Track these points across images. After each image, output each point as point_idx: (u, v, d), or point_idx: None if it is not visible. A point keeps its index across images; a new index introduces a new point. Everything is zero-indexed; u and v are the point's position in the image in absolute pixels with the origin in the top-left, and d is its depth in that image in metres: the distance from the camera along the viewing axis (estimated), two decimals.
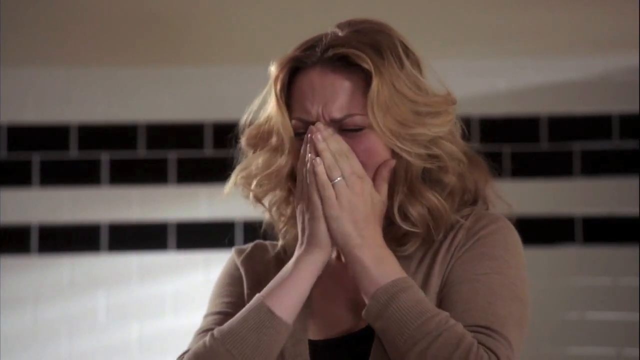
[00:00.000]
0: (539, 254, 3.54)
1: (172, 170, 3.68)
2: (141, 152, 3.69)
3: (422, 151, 1.41)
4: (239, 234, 3.54)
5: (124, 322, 3.62)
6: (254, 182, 1.48)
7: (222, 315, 1.49)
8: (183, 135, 3.67)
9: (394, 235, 1.45)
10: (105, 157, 3.69)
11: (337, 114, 1.40)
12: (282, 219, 1.52)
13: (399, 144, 1.40)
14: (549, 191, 3.61)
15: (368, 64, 1.39)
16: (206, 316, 1.52)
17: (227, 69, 3.61)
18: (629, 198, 3.57)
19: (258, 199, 1.51)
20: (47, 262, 3.64)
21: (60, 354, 3.61)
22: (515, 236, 1.47)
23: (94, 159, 3.68)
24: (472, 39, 3.43)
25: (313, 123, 1.41)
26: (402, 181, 1.43)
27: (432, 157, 1.43)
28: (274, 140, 1.45)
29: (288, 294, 1.39)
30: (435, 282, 1.41)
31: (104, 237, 3.66)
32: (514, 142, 3.63)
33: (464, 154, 1.47)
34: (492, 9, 3.12)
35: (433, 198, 1.43)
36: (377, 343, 1.38)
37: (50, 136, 3.69)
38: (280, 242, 1.55)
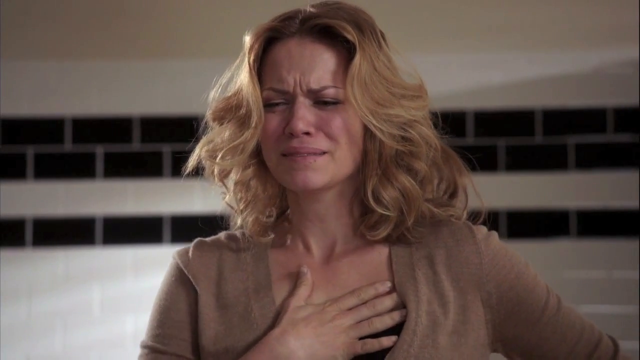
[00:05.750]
0: (533, 247, 3.54)
1: (166, 163, 3.67)
2: (136, 145, 3.69)
3: (396, 132, 1.38)
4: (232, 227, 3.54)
5: (118, 315, 3.62)
6: (219, 156, 1.42)
7: (155, 353, 1.44)
8: (177, 128, 3.66)
9: (367, 222, 1.42)
10: (99, 150, 3.68)
11: (314, 85, 1.36)
12: (243, 201, 1.47)
13: (374, 122, 1.36)
14: (543, 185, 3.62)
15: (353, 36, 1.36)
16: (142, 347, 1.47)
17: (221, 62, 3.60)
18: (623, 191, 3.57)
19: (222, 176, 1.45)
20: (41, 255, 3.64)
21: (54, 347, 3.60)
22: (507, 246, 1.49)
23: (88, 152, 3.68)
24: (467, 32, 3.43)
25: (288, 93, 1.37)
26: (376, 164, 1.39)
27: (406, 140, 1.39)
28: (242, 112, 1.40)
29: None
30: (451, 294, 1.40)
31: (99, 231, 3.66)
32: (508, 135, 3.63)
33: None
34: (487, 2, 3.12)
35: (406, 181, 1.40)
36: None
37: (45, 129, 3.68)
38: (238, 231, 1.49)
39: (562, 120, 3.63)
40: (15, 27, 3.27)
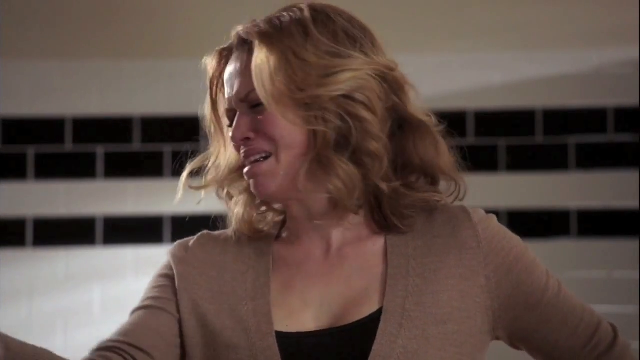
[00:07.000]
0: (534, 247, 3.51)
1: (167, 163, 3.67)
2: (136, 145, 3.69)
3: (305, 113, 1.36)
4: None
5: (119, 315, 3.60)
6: (209, 174, 1.55)
7: (141, 309, 1.55)
8: (178, 128, 3.67)
9: (338, 210, 1.40)
10: (100, 150, 3.68)
11: (240, 95, 1.42)
12: (234, 204, 1.53)
13: (284, 112, 1.36)
14: (544, 184, 3.62)
15: (252, 37, 1.42)
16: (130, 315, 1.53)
17: None
18: (624, 191, 3.57)
19: (219, 195, 1.55)
20: (42, 255, 3.64)
21: (55, 348, 3.57)
22: (506, 228, 1.49)
23: (89, 152, 3.68)
24: (467, 32, 3.43)
25: (232, 109, 1.44)
26: (311, 151, 1.38)
27: (343, 120, 1.36)
28: (214, 133, 1.52)
29: None
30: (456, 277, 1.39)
31: (99, 231, 3.66)
32: (509, 135, 3.63)
33: (401, 118, 1.40)
34: (487, 2, 3.12)
35: (343, 165, 1.36)
36: (381, 336, 1.35)
37: (46, 129, 3.68)
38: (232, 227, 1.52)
39: (562, 120, 3.63)
40: (15, 27, 3.27)
